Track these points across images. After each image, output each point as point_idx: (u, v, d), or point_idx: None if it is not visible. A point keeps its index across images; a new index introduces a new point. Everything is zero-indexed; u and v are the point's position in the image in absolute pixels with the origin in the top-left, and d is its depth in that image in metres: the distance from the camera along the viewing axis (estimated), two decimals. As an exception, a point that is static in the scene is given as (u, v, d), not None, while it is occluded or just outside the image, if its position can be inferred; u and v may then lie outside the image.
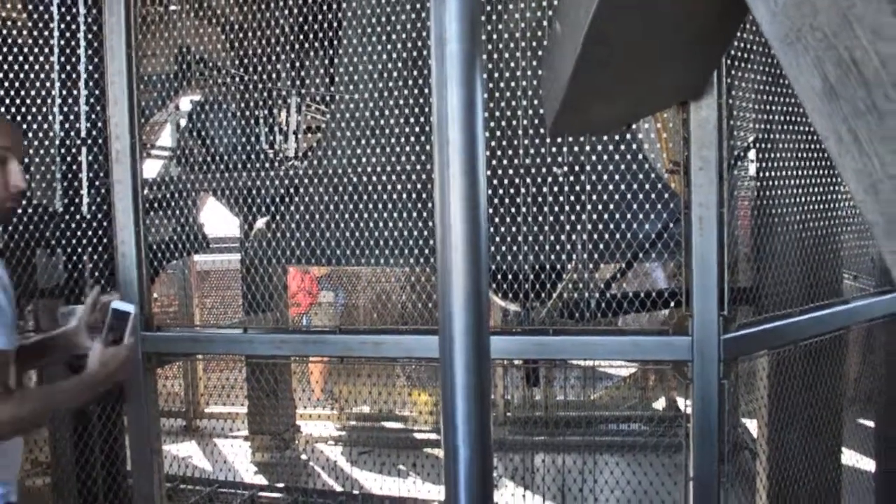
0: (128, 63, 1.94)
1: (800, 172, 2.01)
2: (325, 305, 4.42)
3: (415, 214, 1.98)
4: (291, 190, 2.15)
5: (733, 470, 2.33)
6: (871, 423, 2.76)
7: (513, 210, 1.96)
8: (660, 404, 4.48)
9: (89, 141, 2.18)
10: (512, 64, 1.93)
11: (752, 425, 2.89)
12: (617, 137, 1.96)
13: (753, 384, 2.23)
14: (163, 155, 3.52)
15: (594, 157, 1.90)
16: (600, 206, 1.91)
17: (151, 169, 4.96)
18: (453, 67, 1.28)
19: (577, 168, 1.91)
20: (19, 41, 2.29)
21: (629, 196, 1.93)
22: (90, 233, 2.17)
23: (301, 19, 2.29)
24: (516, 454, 3.50)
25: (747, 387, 2.48)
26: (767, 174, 1.98)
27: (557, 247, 1.95)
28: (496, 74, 1.96)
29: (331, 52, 2.52)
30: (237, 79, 3.03)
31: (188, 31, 2.31)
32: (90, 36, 2.10)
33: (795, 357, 1.98)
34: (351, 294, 4.55)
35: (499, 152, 1.92)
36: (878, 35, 0.77)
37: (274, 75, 2.34)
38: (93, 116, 2.09)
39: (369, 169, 2.02)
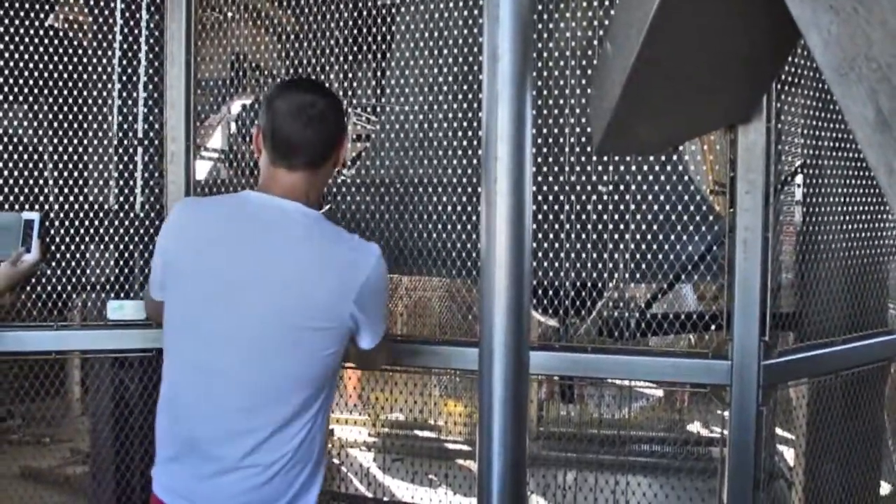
0: (186, 69, 2.01)
1: (847, 199, 1.99)
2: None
3: (459, 227, 2.01)
4: (339, 197, 2.19)
5: (768, 499, 2.30)
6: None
7: (556, 227, 1.97)
8: (695, 426, 4.43)
9: (146, 142, 2.25)
10: (561, 81, 1.95)
11: (788, 454, 2.85)
12: (663, 158, 1.96)
13: (791, 412, 2.20)
14: (213, 157, 3.60)
15: (639, 177, 1.90)
16: (644, 226, 1.92)
17: (202, 170, 5.05)
18: (504, 84, 1.31)
19: (621, 187, 1.91)
20: (84, 43, 2.37)
21: (673, 216, 1.93)
22: (142, 231, 2.24)
23: (354, 30, 2.34)
24: (548, 470, 3.49)
25: (785, 414, 2.45)
26: (814, 199, 1.97)
27: (599, 265, 1.95)
28: (545, 91, 1.97)
29: (381, 63, 2.56)
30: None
31: (244, 38, 2.37)
32: (151, 41, 2.17)
33: (836, 386, 1.96)
34: (390, 300, 4.60)
35: (544, 168, 1.94)
36: (933, 69, 0.77)
37: (325, 84, 2.38)
38: (150, 118, 2.16)
39: (416, 180, 2.05)
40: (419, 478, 3.58)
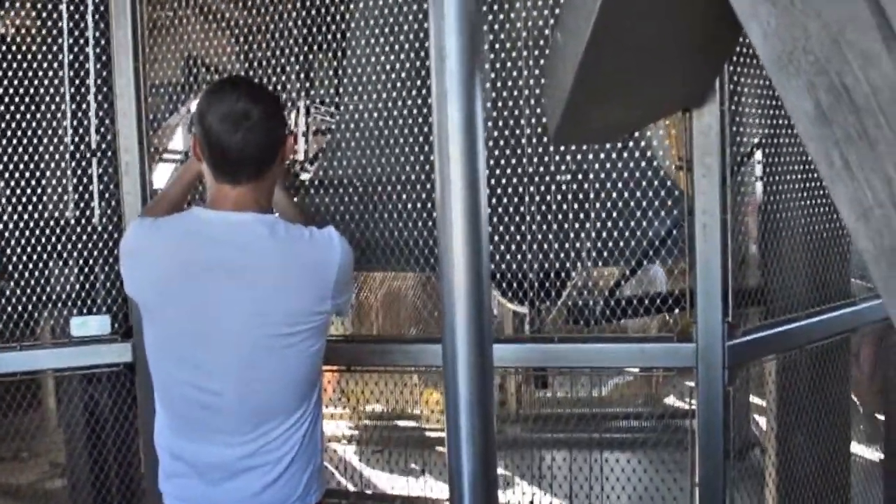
0: (135, 77, 1.97)
1: (806, 174, 2.00)
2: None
3: (420, 223, 2.00)
4: (301, 197, 2.17)
5: (743, 467, 2.34)
6: (882, 417, 2.77)
7: (517, 218, 1.97)
8: (671, 400, 4.48)
9: (99, 153, 2.21)
10: (514, 72, 1.94)
11: (763, 421, 2.89)
12: (620, 143, 1.96)
13: (764, 384, 2.24)
14: (175, 159, 3.55)
15: (597, 165, 1.90)
16: (604, 213, 1.92)
17: (164, 173, 4.98)
18: (453, 83, 1.30)
19: (580, 176, 1.91)
20: (33, 49, 2.31)
21: (634, 199, 1.93)
22: (101, 244, 2.20)
23: (310, 24, 2.28)
24: (528, 451, 3.52)
25: (758, 387, 2.48)
26: (773, 177, 1.98)
27: (562, 253, 1.95)
28: (499, 83, 1.96)
29: (339, 56, 2.52)
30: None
31: (198, 38, 2.31)
32: (99, 49, 2.13)
33: (802, 359, 1.98)
34: (363, 291, 4.58)
35: (503, 161, 1.93)
36: (869, 61, 0.78)
37: (283, 80, 2.34)
38: (103, 128, 2.12)
39: (375, 178, 2.03)
40: (400, 468, 3.59)
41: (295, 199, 2.06)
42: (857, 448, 2.66)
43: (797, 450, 2.13)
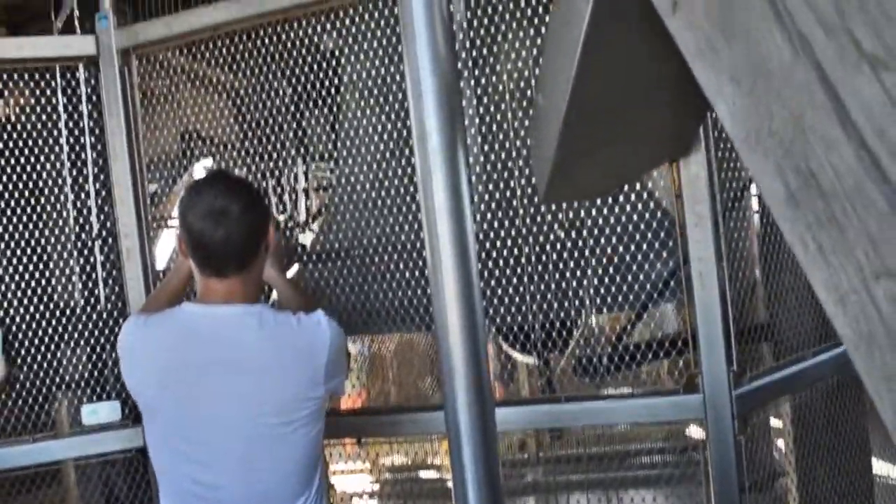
0: (131, 163, 2.00)
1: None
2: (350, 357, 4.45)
3: (419, 286, 2.00)
4: (301, 266, 2.18)
5: (771, 498, 2.30)
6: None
7: (518, 271, 1.97)
8: (693, 430, 4.43)
9: (101, 238, 2.23)
10: (503, 128, 1.96)
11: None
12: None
13: (780, 419, 2.21)
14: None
15: (594, 212, 1.90)
16: (604, 260, 1.92)
17: (170, 241, 5.03)
18: (436, 161, 1.31)
19: (577, 224, 1.92)
20: (33, 133, 2.35)
21: (634, 244, 1.93)
22: (107, 329, 2.22)
23: (304, 81, 2.29)
24: (551, 495, 3.48)
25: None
26: (769, 209, 1.97)
27: (566, 303, 1.95)
28: (489, 137, 1.98)
29: (332, 111, 2.54)
30: (243, 151, 3.08)
31: (192, 105, 2.33)
32: (94, 135, 2.16)
33: (816, 396, 1.96)
34: (375, 343, 4.58)
35: (499, 214, 1.94)
36: (830, 147, 0.78)
37: (279, 143, 2.37)
38: (101, 216, 2.15)
39: (372, 246, 2.04)
40: (424, 520, 3.56)
41: (290, 275, 2.08)
42: (879, 467, 2.62)
43: (818, 483, 2.10)
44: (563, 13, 1.42)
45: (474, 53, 1.92)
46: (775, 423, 2.93)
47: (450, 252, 1.25)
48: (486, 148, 1.96)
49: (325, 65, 2.18)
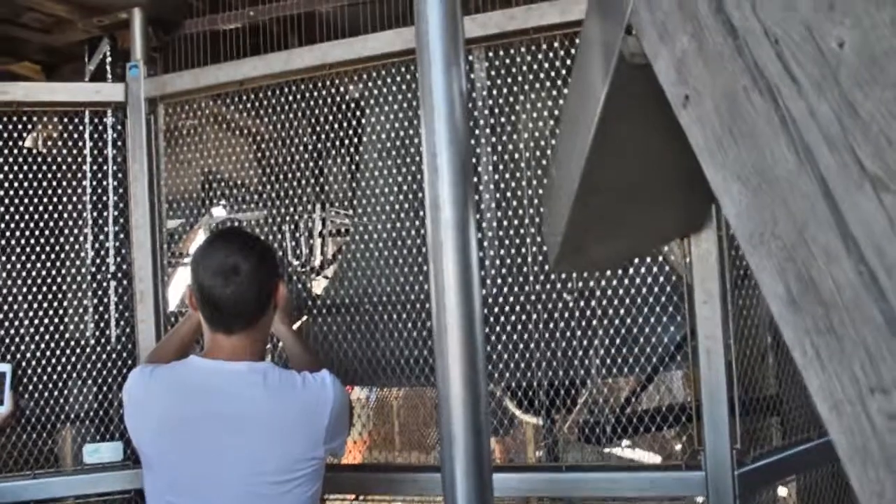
0: (150, 209, 2.05)
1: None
2: (358, 403, 4.45)
3: (420, 341, 2.01)
4: (311, 318, 2.20)
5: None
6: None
7: (525, 336, 1.97)
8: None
9: (119, 275, 2.27)
10: (518, 192, 1.98)
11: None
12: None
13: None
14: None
15: (603, 282, 1.91)
16: (612, 329, 1.92)
17: (185, 278, 5.07)
18: (448, 233, 1.33)
19: (586, 293, 1.93)
20: (60, 169, 2.40)
21: (646, 308, 1.93)
22: (119, 363, 2.24)
23: (326, 127, 2.31)
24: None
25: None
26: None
27: (572, 367, 1.95)
28: (505, 202, 2.00)
29: (352, 160, 2.57)
30: (264, 194, 3.11)
31: (216, 146, 2.36)
32: (117, 179, 2.21)
33: (822, 477, 1.94)
34: (384, 389, 4.58)
35: (509, 279, 1.96)
36: (831, 259, 0.78)
37: (299, 187, 2.39)
38: (118, 257, 2.18)
39: (383, 299, 2.06)
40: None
41: (297, 326, 2.09)
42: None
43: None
44: (579, 91, 1.45)
45: (492, 120, 1.96)
46: (782, 491, 2.89)
47: (456, 326, 1.26)
48: (500, 212, 1.98)
49: (348, 112, 2.21)
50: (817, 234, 0.78)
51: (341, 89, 2.22)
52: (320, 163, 2.46)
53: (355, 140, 2.28)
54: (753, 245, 0.90)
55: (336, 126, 2.21)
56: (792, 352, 0.85)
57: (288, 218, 3.18)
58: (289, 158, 2.39)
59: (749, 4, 0.86)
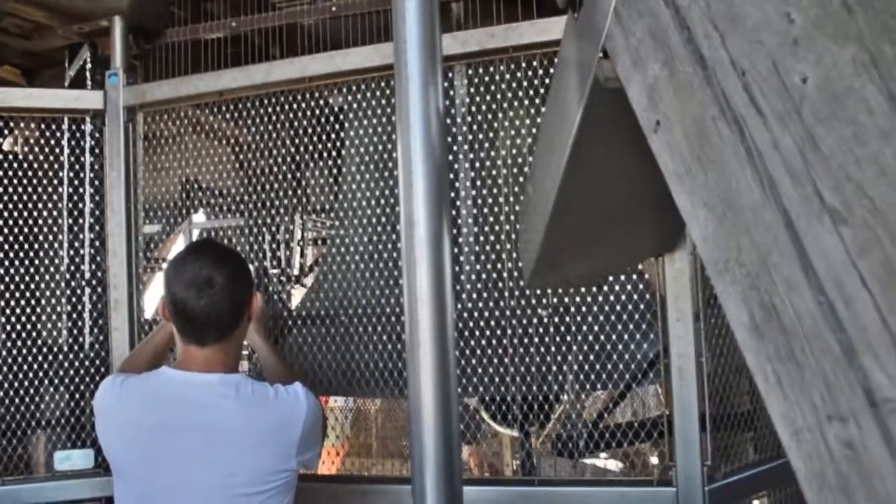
0: (126, 217, 2.04)
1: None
2: (335, 410, 4.44)
3: (395, 353, 2.02)
4: (286, 330, 2.20)
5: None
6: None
7: (499, 350, 1.98)
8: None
9: (93, 282, 2.26)
10: (496, 208, 1.99)
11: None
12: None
13: None
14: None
15: (578, 298, 1.93)
16: (585, 346, 1.93)
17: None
18: (421, 250, 1.33)
19: (561, 309, 1.94)
20: (38, 173, 2.38)
21: (620, 323, 1.94)
22: (92, 370, 2.23)
23: (309, 135, 2.31)
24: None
25: None
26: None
27: (546, 381, 1.96)
28: (481, 219, 2.01)
29: (333, 166, 2.56)
30: (244, 201, 3.09)
31: (195, 152, 2.35)
32: (94, 186, 2.20)
33: (793, 495, 1.96)
34: (359, 400, 4.57)
35: (484, 294, 1.97)
36: (792, 288, 0.80)
37: (279, 194, 2.38)
38: (94, 264, 2.17)
39: (359, 311, 2.07)
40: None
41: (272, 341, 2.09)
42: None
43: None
44: (555, 112, 1.47)
45: (471, 136, 1.97)
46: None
47: (429, 341, 1.26)
48: (477, 227, 1.99)
49: (330, 122, 2.22)
50: (780, 263, 0.80)
51: (322, 101, 2.23)
52: (301, 172, 2.46)
53: (336, 150, 2.29)
54: (718, 272, 0.91)
55: (317, 136, 2.21)
56: (755, 378, 0.86)
57: (267, 226, 3.17)
58: (269, 167, 2.38)
59: (718, 36, 0.87)
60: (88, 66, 2.25)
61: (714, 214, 0.93)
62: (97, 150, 2.17)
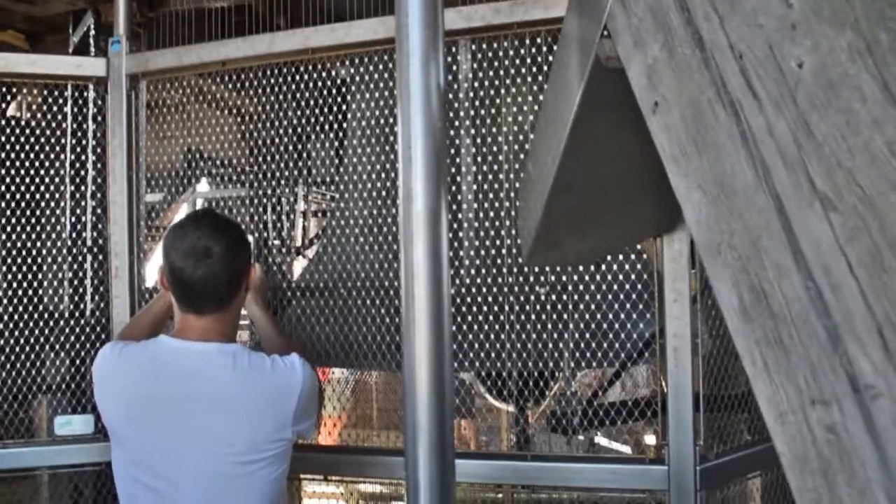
0: (128, 185, 2.04)
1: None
2: (333, 382, 4.47)
3: (393, 327, 2.03)
4: (286, 302, 2.21)
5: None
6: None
7: (496, 326, 1.99)
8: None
9: (95, 249, 2.27)
10: (497, 185, 1.99)
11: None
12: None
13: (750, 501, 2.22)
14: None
15: (575, 277, 1.93)
16: (582, 324, 1.94)
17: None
18: (419, 225, 1.34)
19: (559, 287, 1.95)
20: (42, 139, 2.38)
21: (617, 302, 1.95)
22: (93, 336, 2.25)
23: (313, 107, 2.30)
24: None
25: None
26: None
27: (543, 357, 1.98)
28: (482, 195, 2.01)
29: (337, 139, 2.55)
30: (246, 171, 3.09)
31: (199, 121, 2.34)
32: (96, 153, 2.20)
33: (784, 476, 1.97)
34: (363, 371, 4.60)
35: (483, 270, 1.97)
36: (781, 273, 0.80)
37: (283, 165, 2.38)
38: (96, 231, 2.18)
39: (356, 283, 2.08)
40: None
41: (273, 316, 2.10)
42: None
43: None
44: (556, 90, 1.46)
45: (474, 112, 1.97)
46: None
47: (425, 316, 1.27)
48: (478, 203, 1.99)
49: (335, 94, 2.21)
50: (770, 248, 0.80)
51: (326, 72, 2.22)
52: (305, 144, 2.46)
53: (340, 123, 2.28)
54: (711, 254, 0.91)
55: (320, 108, 2.20)
56: (743, 361, 0.87)
57: (268, 197, 3.18)
58: (273, 138, 2.38)
59: (717, 18, 0.87)
60: (92, 33, 2.25)
61: (708, 197, 0.93)
62: (100, 118, 2.17)
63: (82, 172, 2.23)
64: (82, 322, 2.27)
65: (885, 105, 0.66)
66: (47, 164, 2.28)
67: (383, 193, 2.14)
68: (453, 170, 1.97)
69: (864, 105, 0.68)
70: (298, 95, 2.16)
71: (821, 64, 0.72)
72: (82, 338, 2.25)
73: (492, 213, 1.99)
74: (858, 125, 0.68)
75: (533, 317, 1.94)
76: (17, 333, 2.25)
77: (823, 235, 0.72)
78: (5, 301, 2.25)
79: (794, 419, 0.77)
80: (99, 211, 2.19)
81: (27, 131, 2.32)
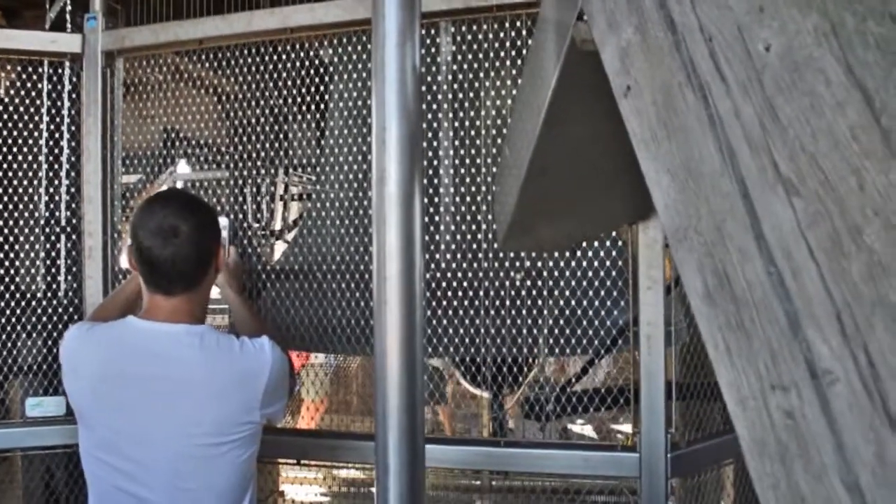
0: (102, 164, 2.02)
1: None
2: (315, 367, 4.47)
3: (367, 310, 2.02)
4: (262, 284, 2.20)
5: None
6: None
7: (472, 312, 1.99)
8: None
9: (68, 229, 2.24)
10: (474, 169, 1.98)
11: None
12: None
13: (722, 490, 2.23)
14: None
15: (551, 263, 1.93)
16: (557, 310, 1.94)
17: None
18: (392, 208, 1.33)
19: (534, 273, 1.94)
20: (16, 115, 2.35)
21: (592, 289, 1.95)
22: (66, 317, 2.22)
23: (293, 89, 2.28)
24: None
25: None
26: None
27: (517, 343, 1.98)
28: (458, 179, 2.00)
29: (318, 123, 2.53)
30: (224, 153, 3.07)
31: (177, 102, 2.32)
32: (71, 130, 2.17)
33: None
34: (340, 357, 4.59)
35: (458, 256, 1.97)
36: (744, 257, 0.80)
37: (263, 148, 2.36)
38: (70, 211, 2.16)
39: (332, 266, 2.06)
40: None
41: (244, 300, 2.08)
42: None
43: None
44: (532, 73, 1.46)
45: (452, 95, 1.95)
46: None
47: (396, 300, 1.26)
48: (454, 188, 1.99)
49: (315, 76, 2.19)
50: (734, 232, 0.80)
51: (305, 53, 2.19)
52: (284, 126, 2.43)
53: (321, 104, 2.26)
54: (678, 239, 0.91)
55: (300, 90, 2.18)
56: (706, 346, 0.87)
57: (245, 180, 3.15)
58: (253, 119, 2.35)
59: (689, 1, 0.86)
60: (69, 8, 2.21)
61: (676, 182, 0.93)
62: (75, 96, 2.14)
63: (56, 151, 2.20)
64: (55, 303, 2.25)
65: (849, 88, 0.66)
66: (20, 141, 2.25)
67: (360, 177, 2.13)
68: (430, 153, 1.96)
69: (828, 88, 0.67)
70: (277, 76, 2.13)
71: (787, 46, 0.72)
72: (55, 319, 2.23)
73: (469, 198, 1.98)
74: (822, 108, 0.68)
75: (508, 303, 1.94)
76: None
77: (786, 220, 0.72)
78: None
79: (755, 404, 0.77)
80: (73, 190, 2.16)
81: (1, 108, 2.29)
